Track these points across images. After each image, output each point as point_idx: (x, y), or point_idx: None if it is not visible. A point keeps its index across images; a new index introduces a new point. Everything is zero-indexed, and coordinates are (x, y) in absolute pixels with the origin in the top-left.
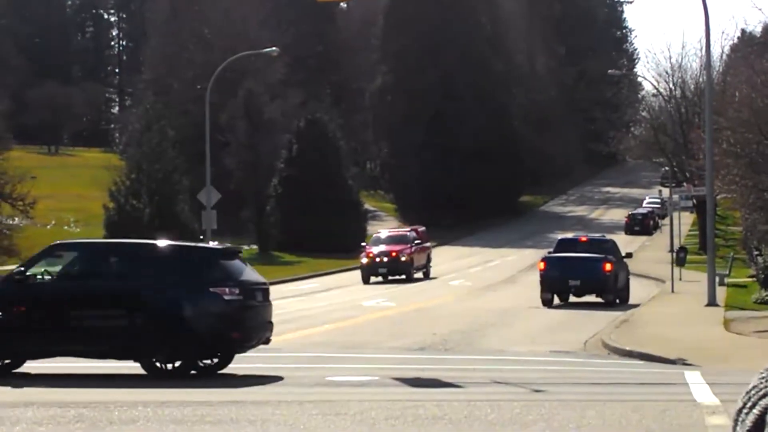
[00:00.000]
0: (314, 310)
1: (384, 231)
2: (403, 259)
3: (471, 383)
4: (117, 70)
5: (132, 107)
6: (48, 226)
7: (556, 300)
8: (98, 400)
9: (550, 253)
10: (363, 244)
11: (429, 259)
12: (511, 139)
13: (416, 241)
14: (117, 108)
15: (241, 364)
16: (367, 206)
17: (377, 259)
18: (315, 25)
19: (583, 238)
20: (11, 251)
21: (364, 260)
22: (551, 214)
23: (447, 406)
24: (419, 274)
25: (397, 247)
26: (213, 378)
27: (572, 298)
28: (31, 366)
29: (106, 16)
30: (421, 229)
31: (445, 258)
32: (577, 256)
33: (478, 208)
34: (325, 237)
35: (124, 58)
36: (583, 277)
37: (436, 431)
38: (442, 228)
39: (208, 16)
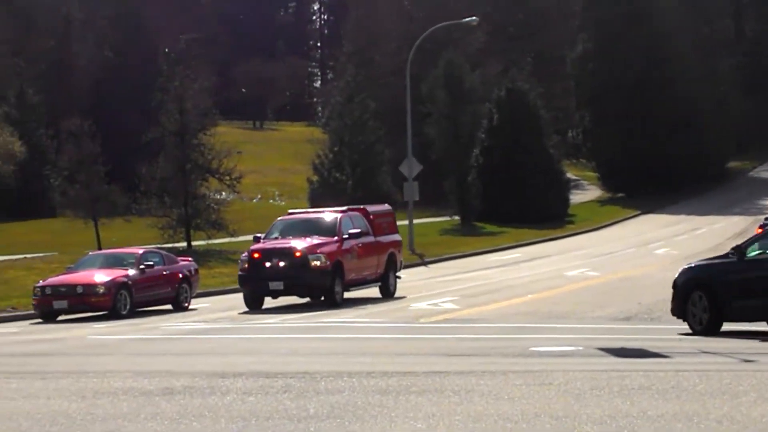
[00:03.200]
0: (518, 280)
1: (298, 212)
2: (314, 264)
3: (678, 353)
4: (319, 44)
5: (334, 81)
6: (254, 200)
7: None
8: (305, 371)
9: (767, 219)
10: (258, 235)
11: (394, 266)
12: (718, 104)
13: (353, 232)
14: (319, 82)
15: (443, 334)
16: (569, 175)
17: (265, 265)
18: None
19: None
20: (219, 225)
21: (245, 266)
22: (760, 180)
23: (654, 376)
24: (369, 290)
25: (308, 243)
26: (414, 347)
27: None
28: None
29: None
30: (377, 209)
31: (650, 226)
32: None
33: (684, 175)
34: (527, 207)
35: (326, 32)
36: None
37: (643, 401)
38: (646, 196)
39: None
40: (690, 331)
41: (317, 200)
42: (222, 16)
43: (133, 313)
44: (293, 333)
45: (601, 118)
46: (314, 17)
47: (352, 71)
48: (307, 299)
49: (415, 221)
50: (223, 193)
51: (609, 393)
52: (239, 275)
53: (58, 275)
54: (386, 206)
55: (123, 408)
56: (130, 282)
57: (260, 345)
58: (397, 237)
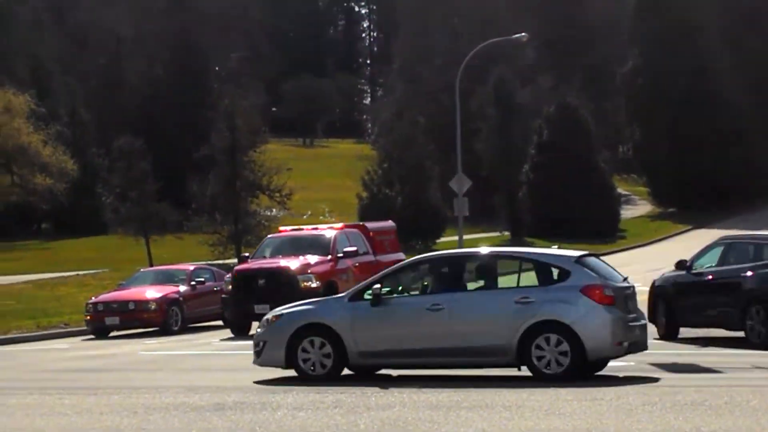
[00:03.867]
0: None
1: (291, 229)
2: (304, 284)
3: (731, 368)
4: (368, 62)
5: (383, 97)
6: (304, 216)
7: None
8: (355, 387)
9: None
10: (246, 254)
11: None
12: None
13: (348, 251)
14: (369, 99)
15: None
16: (620, 190)
17: (251, 286)
18: (564, 8)
19: None
20: None
21: (229, 287)
22: None
23: (706, 392)
24: None
25: (298, 262)
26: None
27: None
28: None
29: (357, 9)
30: (378, 225)
31: (702, 241)
32: None
33: (736, 189)
34: (577, 222)
35: (375, 49)
36: None
37: (695, 417)
38: (697, 210)
39: (457, 4)
40: (658, 336)
41: (367, 216)
42: (271, 33)
43: (185, 329)
44: None
45: (652, 133)
46: (363, 34)
47: (402, 88)
48: None
49: (465, 237)
50: (274, 210)
51: (661, 408)
52: (222, 298)
53: (110, 292)
54: (389, 223)
55: (174, 423)
56: (181, 298)
57: None
58: (400, 255)
